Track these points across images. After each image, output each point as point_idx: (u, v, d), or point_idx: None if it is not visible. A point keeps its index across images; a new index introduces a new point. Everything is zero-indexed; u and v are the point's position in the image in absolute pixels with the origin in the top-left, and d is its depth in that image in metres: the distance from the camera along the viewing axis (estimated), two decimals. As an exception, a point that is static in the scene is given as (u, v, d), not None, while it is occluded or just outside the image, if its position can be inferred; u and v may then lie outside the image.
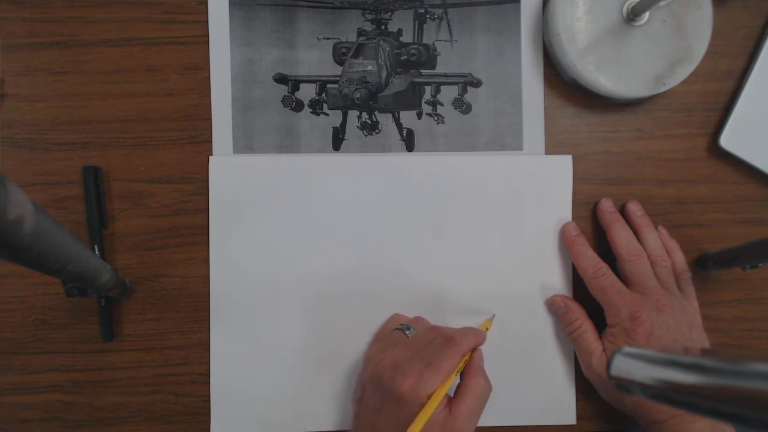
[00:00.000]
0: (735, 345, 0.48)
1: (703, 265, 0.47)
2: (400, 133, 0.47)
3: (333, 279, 0.46)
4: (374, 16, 0.47)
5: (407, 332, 0.42)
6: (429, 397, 0.36)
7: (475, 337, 0.41)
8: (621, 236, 0.44)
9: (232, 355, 0.46)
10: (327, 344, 0.46)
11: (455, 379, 0.40)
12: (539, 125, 0.47)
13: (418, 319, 0.45)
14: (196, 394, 0.46)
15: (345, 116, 0.47)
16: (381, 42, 0.47)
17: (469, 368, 0.40)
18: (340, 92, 0.47)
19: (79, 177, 0.46)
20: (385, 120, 0.47)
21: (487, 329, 0.45)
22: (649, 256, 0.44)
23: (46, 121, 0.46)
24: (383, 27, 0.47)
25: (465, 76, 0.47)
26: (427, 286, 0.46)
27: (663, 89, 0.44)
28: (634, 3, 0.43)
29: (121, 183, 0.46)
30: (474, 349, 0.42)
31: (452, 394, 0.39)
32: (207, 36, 0.46)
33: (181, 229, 0.46)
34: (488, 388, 0.40)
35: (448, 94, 0.47)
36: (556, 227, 0.47)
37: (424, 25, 0.47)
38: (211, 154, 0.46)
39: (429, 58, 0.47)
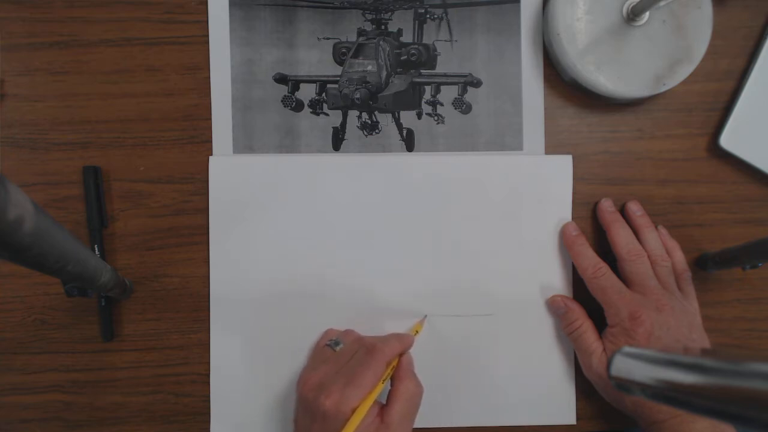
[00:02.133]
0: (735, 345, 0.48)
1: (703, 265, 0.47)
2: (400, 133, 0.47)
3: (333, 279, 0.46)
4: (374, 16, 0.47)
5: (336, 347, 0.42)
6: (354, 411, 0.36)
7: (400, 342, 0.41)
8: (621, 236, 0.44)
9: (232, 355, 0.46)
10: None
11: (386, 386, 0.40)
12: (539, 125, 0.47)
13: (347, 332, 0.45)
14: (196, 394, 0.46)
15: (345, 116, 0.47)
16: (381, 42, 0.47)
17: (398, 373, 0.40)
18: (340, 92, 0.47)
19: (79, 177, 0.46)
20: (385, 120, 0.47)
21: (417, 332, 0.45)
22: (649, 256, 0.44)
23: (46, 121, 0.46)
24: (383, 27, 0.47)
25: (465, 76, 0.47)
26: (427, 286, 0.46)
27: (663, 89, 0.44)
28: (634, 3, 0.43)
29: (121, 183, 0.46)
30: (402, 354, 0.42)
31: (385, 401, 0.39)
32: (207, 36, 0.46)
33: (181, 229, 0.46)
34: (418, 390, 0.40)
35: (448, 94, 0.47)
36: (556, 227, 0.47)
37: (424, 25, 0.47)
38: (211, 154, 0.46)
39: (429, 58, 0.47)
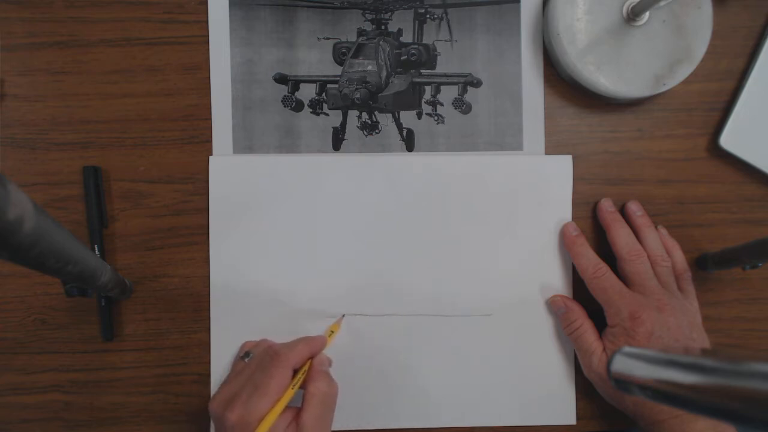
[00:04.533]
0: (735, 345, 0.48)
1: (703, 265, 0.47)
2: (400, 133, 0.47)
3: (333, 278, 0.46)
4: (374, 16, 0.47)
5: (246, 359, 0.41)
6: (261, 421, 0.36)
7: (307, 345, 0.41)
8: (621, 236, 0.44)
9: (232, 355, 0.46)
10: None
11: (301, 392, 0.39)
12: (539, 125, 0.47)
13: (260, 342, 0.44)
14: (196, 394, 0.46)
15: (345, 116, 0.47)
16: (381, 42, 0.47)
17: (309, 375, 0.40)
18: (340, 92, 0.47)
19: (79, 177, 0.46)
20: (385, 120, 0.47)
21: (333, 332, 0.45)
22: (649, 256, 0.44)
23: (46, 121, 0.46)
24: (383, 27, 0.47)
25: (465, 76, 0.47)
26: (426, 286, 0.46)
27: (663, 89, 0.44)
28: (634, 3, 0.43)
29: (121, 183, 0.46)
30: (313, 357, 0.41)
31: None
32: (207, 36, 0.46)
33: (181, 229, 0.46)
34: (330, 390, 0.40)
35: (448, 94, 0.47)
36: (556, 227, 0.47)
37: (424, 25, 0.47)
38: (211, 154, 0.46)
39: (429, 58, 0.47)
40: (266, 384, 0.37)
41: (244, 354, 0.42)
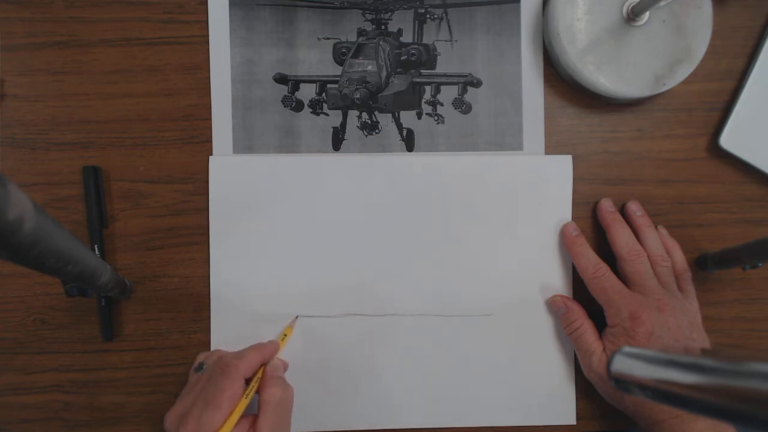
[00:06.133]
0: (735, 345, 0.48)
1: (703, 265, 0.47)
2: (400, 133, 0.47)
3: (333, 278, 0.46)
4: (374, 16, 0.47)
5: (199, 371, 0.41)
6: None
7: (258, 353, 0.41)
8: (621, 236, 0.44)
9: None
10: (326, 345, 0.46)
11: (256, 400, 0.39)
12: (539, 125, 0.47)
13: (212, 353, 0.43)
14: (196, 394, 0.46)
15: (345, 116, 0.47)
16: (381, 42, 0.47)
17: (263, 382, 0.40)
18: (340, 92, 0.47)
19: (79, 177, 0.46)
20: (385, 120, 0.47)
21: (286, 335, 0.44)
22: (649, 256, 0.44)
23: (46, 121, 0.46)
24: (383, 27, 0.47)
25: (465, 76, 0.47)
26: (426, 286, 0.46)
27: (663, 89, 0.44)
28: (634, 3, 0.43)
29: (121, 183, 0.46)
30: (265, 363, 0.41)
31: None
32: (207, 36, 0.46)
33: (181, 229, 0.46)
34: (285, 394, 0.39)
35: (448, 94, 0.47)
36: (556, 227, 0.47)
37: (424, 25, 0.47)
38: (211, 154, 0.46)
39: (429, 58, 0.47)
40: (218, 397, 0.37)
41: (198, 366, 0.41)
